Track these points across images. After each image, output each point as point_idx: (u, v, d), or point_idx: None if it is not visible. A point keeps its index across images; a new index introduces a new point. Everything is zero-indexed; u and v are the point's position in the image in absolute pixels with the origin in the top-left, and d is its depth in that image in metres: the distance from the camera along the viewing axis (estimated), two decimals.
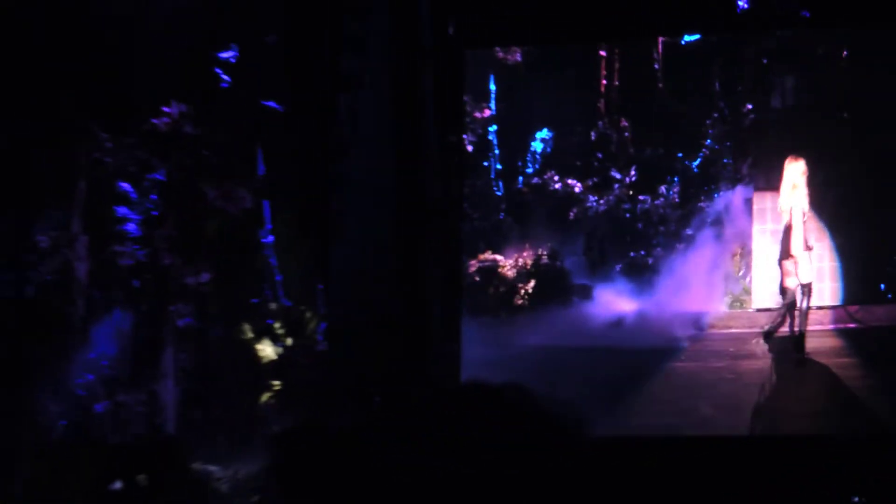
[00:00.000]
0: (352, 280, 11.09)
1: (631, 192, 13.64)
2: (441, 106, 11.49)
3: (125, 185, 11.84)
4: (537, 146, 13.95)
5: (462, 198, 12.31)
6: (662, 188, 13.45)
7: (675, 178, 13.46)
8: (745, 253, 13.58)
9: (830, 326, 13.01)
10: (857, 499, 11.41)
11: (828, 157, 12.81)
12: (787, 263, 12.12)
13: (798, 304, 12.20)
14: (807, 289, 12.19)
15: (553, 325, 13.91)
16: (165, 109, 11.81)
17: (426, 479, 2.10)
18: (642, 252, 13.79)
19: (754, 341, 12.67)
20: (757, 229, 13.49)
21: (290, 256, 12.00)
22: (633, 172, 13.75)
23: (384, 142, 11.06)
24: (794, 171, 12.11)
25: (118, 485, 11.78)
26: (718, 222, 13.84)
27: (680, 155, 13.53)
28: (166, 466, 11.87)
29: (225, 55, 11.93)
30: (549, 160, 13.89)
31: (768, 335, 12.38)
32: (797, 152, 12.26)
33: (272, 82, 11.76)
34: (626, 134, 13.77)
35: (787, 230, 12.14)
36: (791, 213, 12.11)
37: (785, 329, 12.35)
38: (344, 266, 11.18)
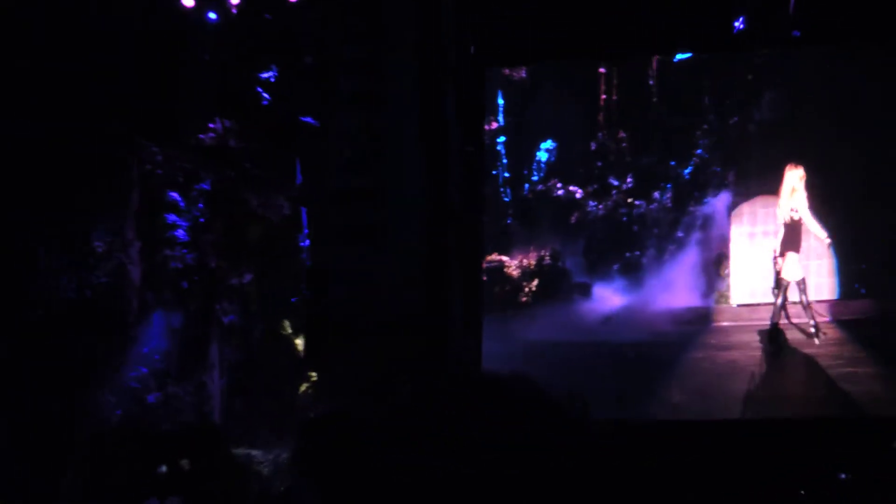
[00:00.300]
0: (383, 280, 11.20)
1: (628, 198, 14.40)
2: (462, 120, 11.81)
3: (174, 195, 12.12)
4: (542, 156, 14.43)
5: (481, 203, 12.66)
6: (656, 194, 14.06)
7: (668, 185, 14.12)
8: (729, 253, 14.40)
9: (805, 320, 13.84)
10: (843, 475, 11.48)
11: (808, 165, 13.71)
12: (785, 259, 12.77)
13: (789, 299, 12.75)
14: (802, 284, 12.72)
15: (554, 320, 14.56)
16: (211, 125, 12.21)
17: (442, 465, 2.42)
18: (637, 253, 14.33)
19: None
20: (735, 232, 14.32)
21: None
22: (629, 180, 14.25)
23: (414, 153, 11.27)
24: (794, 177, 12.72)
25: (164, 468, 12.51)
26: (706, 225, 14.66)
27: (672, 163, 14.19)
28: (211, 452, 12.57)
29: (265, 75, 12.40)
30: (553, 169, 14.40)
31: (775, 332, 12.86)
32: (794, 160, 12.83)
33: (308, 99, 12.13)
34: (624, 144, 14.37)
35: (787, 230, 12.82)
36: (790, 215, 12.74)
37: (784, 321, 12.91)
38: (376, 267, 11.29)
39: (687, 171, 13.86)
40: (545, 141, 13.93)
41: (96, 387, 11.74)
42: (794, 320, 13.03)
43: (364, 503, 2.52)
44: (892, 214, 12.51)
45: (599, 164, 14.09)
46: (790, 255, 12.84)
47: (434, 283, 11.46)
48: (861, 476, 11.39)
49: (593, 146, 14.02)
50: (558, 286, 14.19)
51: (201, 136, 12.24)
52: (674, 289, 13.96)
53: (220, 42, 11.98)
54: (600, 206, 13.92)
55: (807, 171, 12.86)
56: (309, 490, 10.10)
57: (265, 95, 12.37)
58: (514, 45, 12.40)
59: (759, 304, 13.58)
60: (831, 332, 13.00)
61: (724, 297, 13.79)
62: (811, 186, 12.90)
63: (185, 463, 11.54)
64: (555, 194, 13.99)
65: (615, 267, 14.06)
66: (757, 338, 13.27)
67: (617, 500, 2.58)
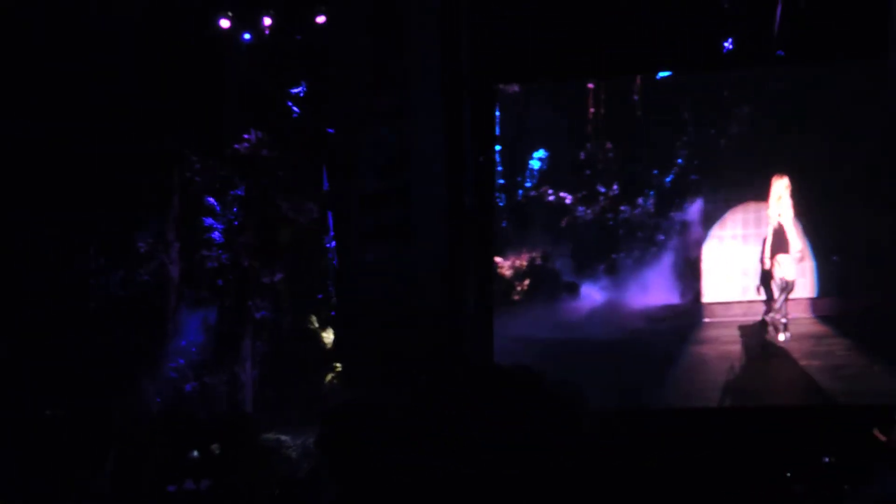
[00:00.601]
0: (409, 276, 11.91)
1: (614, 204, 15.26)
2: (476, 132, 12.79)
3: (211, 200, 12.75)
4: (534, 164, 14.98)
5: (491, 207, 13.55)
6: (640, 200, 15.04)
7: (651, 192, 15.04)
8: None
9: (778, 316, 14.78)
10: (827, 459, 12.29)
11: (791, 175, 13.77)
12: (775, 262, 13.63)
13: (776, 297, 13.66)
14: (791, 284, 13.58)
15: (544, 317, 15.41)
16: (245, 136, 12.77)
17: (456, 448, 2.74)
18: (623, 254, 15.22)
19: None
20: (709, 235, 15.02)
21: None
22: (615, 187, 15.13)
23: (436, 161, 12.09)
24: (780, 186, 13.59)
25: (195, 453, 13.24)
26: (685, 229, 15.53)
27: (655, 172, 15.19)
28: (242, 437, 13.32)
29: (295, 90, 12.96)
30: (545, 176, 14.92)
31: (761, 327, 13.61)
32: (778, 169, 13.71)
33: (336, 112, 12.57)
34: (610, 154, 15.15)
35: (775, 234, 13.65)
36: (778, 220, 13.59)
37: (769, 317, 13.75)
38: (402, 264, 11.99)
39: (668, 179, 14.78)
40: (538, 150, 14.64)
41: (139, 377, 12.26)
42: (768, 316, 13.88)
43: (375, 487, 3.00)
44: (864, 220, 13.55)
45: (588, 172, 14.59)
46: (780, 256, 13.60)
47: (454, 279, 12.12)
48: (843, 459, 12.10)
49: (582, 156, 14.57)
50: (548, 285, 15.16)
51: (237, 146, 12.76)
52: (655, 287, 14.83)
53: (253, 60, 12.74)
54: (588, 211, 14.55)
55: (791, 180, 13.63)
56: (328, 473, 10.92)
57: (295, 109, 12.87)
58: (520, 63, 13.19)
59: (731, 302, 14.57)
60: (807, 328, 13.82)
61: (700, 296, 14.75)
62: (794, 194, 13.67)
63: (215, 447, 12.35)
64: (546, 200, 14.49)
65: (601, 267, 14.99)
66: (736, 332, 14.12)
67: (614, 488, 2.77)
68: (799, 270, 13.78)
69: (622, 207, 15.11)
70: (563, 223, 15.20)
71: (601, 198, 15.20)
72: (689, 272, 14.97)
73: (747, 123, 14.31)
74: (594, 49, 13.05)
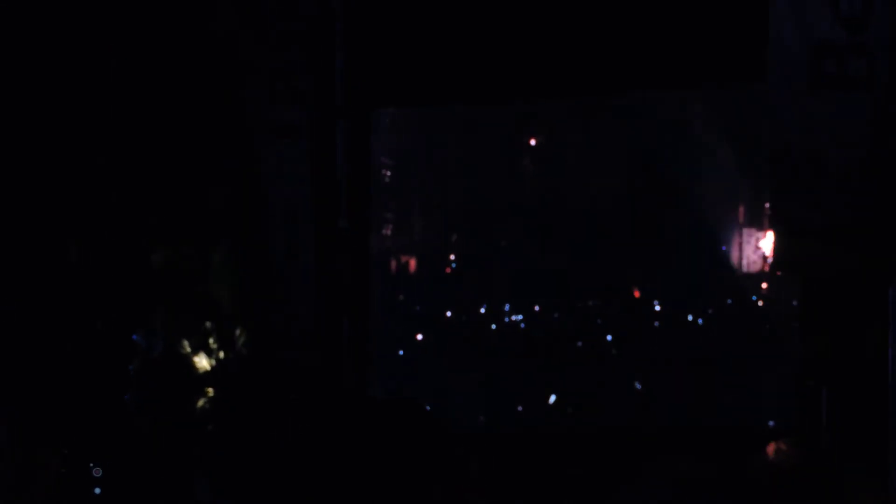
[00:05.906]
0: (278, 299, 12.24)
1: None
2: (351, 154, 12.79)
3: None
4: None
5: (368, 228, 13.35)
6: None
7: None
8: None
9: None
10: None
11: None
12: None
13: None
14: None
15: None
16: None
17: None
18: None
19: None
20: None
21: (223, 282, 12.84)
22: None
23: (308, 182, 12.29)
24: None
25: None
26: None
27: None
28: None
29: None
30: None
31: None
32: None
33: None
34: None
35: None
36: None
37: None
38: (270, 289, 12.37)
39: None
40: None
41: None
42: None
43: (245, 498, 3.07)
44: None
45: None
46: None
47: (334, 306, 12.29)
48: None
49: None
50: None
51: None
52: None
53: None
54: None
55: None
56: (205, 488, 10.92)
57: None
58: (394, 89, 13.27)
59: None
60: None
61: None
62: None
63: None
64: None
65: None
66: None
67: None
68: None
69: None
70: None
71: None
72: None
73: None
74: (467, 77, 12.99)
